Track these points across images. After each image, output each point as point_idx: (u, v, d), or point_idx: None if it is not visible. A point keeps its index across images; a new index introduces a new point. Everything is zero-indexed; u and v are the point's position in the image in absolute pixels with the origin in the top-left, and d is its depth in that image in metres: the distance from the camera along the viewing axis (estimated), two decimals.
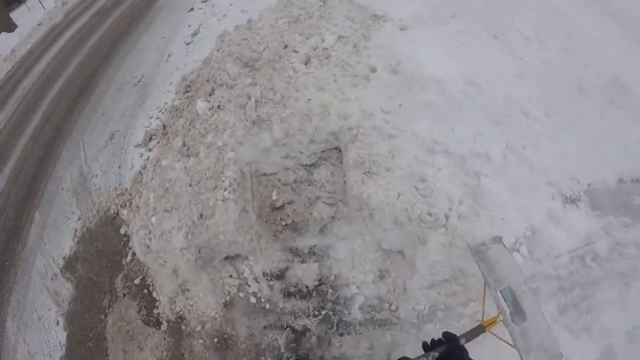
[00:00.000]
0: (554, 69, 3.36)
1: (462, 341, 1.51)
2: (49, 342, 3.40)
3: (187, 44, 4.96)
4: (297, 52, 2.95)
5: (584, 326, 2.46)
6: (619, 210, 2.73)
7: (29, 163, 4.09)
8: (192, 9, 5.92)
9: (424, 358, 1.37)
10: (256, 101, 2.81)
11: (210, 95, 3.06)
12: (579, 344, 2.36)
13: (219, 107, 2.93)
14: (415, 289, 2.67)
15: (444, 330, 1.45)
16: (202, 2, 5.84)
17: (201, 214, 2.84)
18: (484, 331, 1.81)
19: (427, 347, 1.36)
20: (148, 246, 3.07)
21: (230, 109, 2.87)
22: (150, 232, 3.04)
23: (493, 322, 1.89)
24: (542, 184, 2.81)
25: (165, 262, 3.01)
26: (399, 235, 2.70)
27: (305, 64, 2.93)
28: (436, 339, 1.39)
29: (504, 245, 2.10)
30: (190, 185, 2.90)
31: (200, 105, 2.93)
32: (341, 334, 2.72)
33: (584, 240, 2.68)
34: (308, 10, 3.48)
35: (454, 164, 2.79)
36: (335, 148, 2.98)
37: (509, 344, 1.87)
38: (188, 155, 2.94)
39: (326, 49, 2.99)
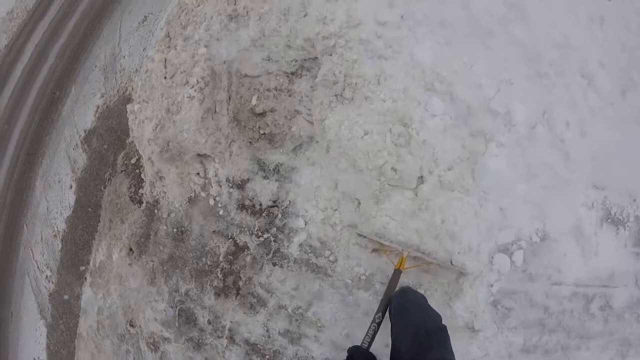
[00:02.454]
0: None
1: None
2: (63, 201, 4.07)
3: None
4: None
5: None
6: None
7: (75, 39, 4.57)
8: None
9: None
10: None
11: None
12: None
13: None
14: (361, 250, 2.53)
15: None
16: None
17: (169, 109, 2.94)
18: (400, 272, 1.94)
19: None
20: (133, 131, 3.34)
21: (212, 0, 2.79)
22: (135, 117, 3.28)
23: (402, 260, 1.98)
24: (581, 184, 2.21)
25: (144, 148, 3.27)
26: (356, 181, 2.50)
27: None
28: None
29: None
30: (165, 78, 2.98)
31: None
32: (274, 264, 2.75)
33: (604, 280, 2.17)
34: None
35: (456, 115, 2.31)
36: (315, 58, 2.75)
37: (428, 263, 2.00)
38: (169, 47, 2.99)
39: None
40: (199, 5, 2.88)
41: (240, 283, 2.85)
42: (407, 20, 2.49)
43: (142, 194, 3.53)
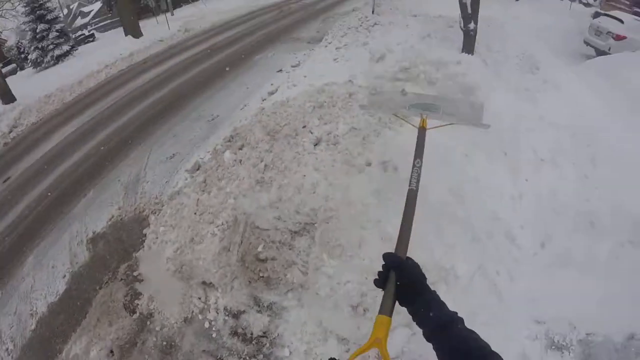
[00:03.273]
0: (562, 197, 3.34)
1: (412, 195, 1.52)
2: (50, 287, 4.35)
3: (263, 100, 6.10)
4: (312, 133, 3.75)
5: None
6: None
7: (103, 151, 5.38)
8: (280, 70, 7.19)
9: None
10: (265, 165, 3.64)
11: (239, 149, 3.98)
12: None
13: (240, 161, 3.82)
14: None
15: None
16: (291, 67, 7.10)
17: (192, 238, 3.66)
18: (424, 130, 1.99)
19: (377, 282, 1.15)
20: (150, 248, 3.96)
21: (246, 165, 3.74)
22: (156, 237, 3.94)
23: (423, 122, 2.06)
24: (522, 320, 2.77)
25: (157, 265, 3.86)
26: (338, 318, 3.25)
27: (315, 145, 3.72)
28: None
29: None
30: (194, 214, 3.76)
31: (227, 155, 3.85)
32: None
33: None
34: (334, 99, 4.31)
35: None
36: (315, 224, 3.66)
37: (447, 124, 2.16)
38: (204, 191, 3.84)
39: (337, 135, 3.75)
40: (234, 166, 3.82)
41: None
42: (383, 204, 3.52)
43: (138, 304, 3.98)
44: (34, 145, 6.40)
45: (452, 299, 2.84)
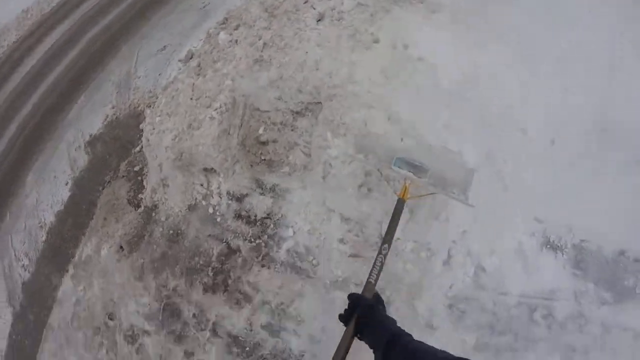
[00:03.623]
0: (580, 98, 3.19)
1: (370, 291, 1.62)
2: (55, 196, 4.44)
3: None
4: (314, 8, 3.58)
5: None
6: (604, 283, 2.57)
7: (89, 54, 5.25)
8: None
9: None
10: (264, 43, 3.51)
11: (234, 29, 3.83)
12: None
13: (236, 41, 3.68)
14: (341, 255, 3.19)
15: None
16: None
17: (190, 124, 3.63)
18: (404, 202, 2.11)
19: (342, 317, 1.38)
20: (148, 140, 3.97)
21: (242, 45, 3.62)
22: (153, 128, 3.93)
23: (405, 190, 2.19)
24: (521, 216, 2.84)
25: (156, 156, 3.90)
26: (341, 199, 3.30)
27: (318, 21, 3.55)
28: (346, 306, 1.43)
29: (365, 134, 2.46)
30: (190, 99, 3.70)
31: (222, 36, 3.70)
32: (262, 265, 3.28)
33: (545, 294, 2.65)
34: None
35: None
36: (320, 103, 3.61)
37: (431, 193, 2.25)
38: (198, 75, 3.75)
39: (342, 12, 3.57)
40: (230, 47, 3.70)
41: (229, 281, 3.42)
42: (391, 83, 3.46)
43: (142, 198, 4.08)
44: (18, 62, 6.23)
45: None
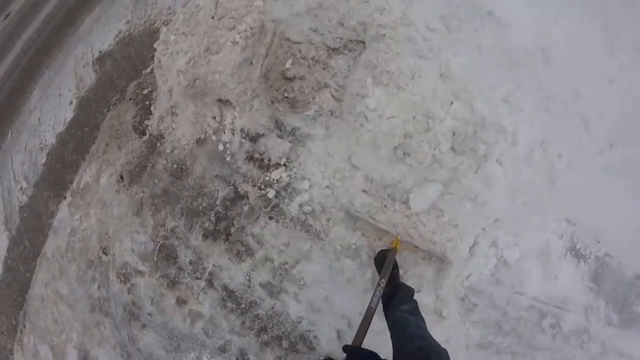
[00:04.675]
0: None
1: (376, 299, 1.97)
2: (58, 115, 4.12)
3: None
4: None
5: None
6: (614, 304, 2.46)
7: None
8: None
9: None
10: None
11: None
12: None
13: None
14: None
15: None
16: None
17: (208, 47, 3.14)
18: (396, 250, 2.25)
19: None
20: (160, 61, 3.50)
21: None
22: (167, 48, 3.46)
23: (396, 240, 2.32)
24: (555, 214, 2.58)
25: (167, 80, 3.45)
26: (370, 157, 2.81)
27: None
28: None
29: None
30: (212, 18, 3.19)
31: None
32: (270, 217, 2.93)
33: (557, 302, 2.51)
34: None
35: (469, 122, 2.67)
36: (362, 42, 3.05)
37: (422, 249, 2.27)
38: None
39: None
40: None
41: (232, 229, 3.05)
42: (452, 34, 2.86)
43: (148, 125, 3.67)
44: None
45: (503, 167, 2.57)
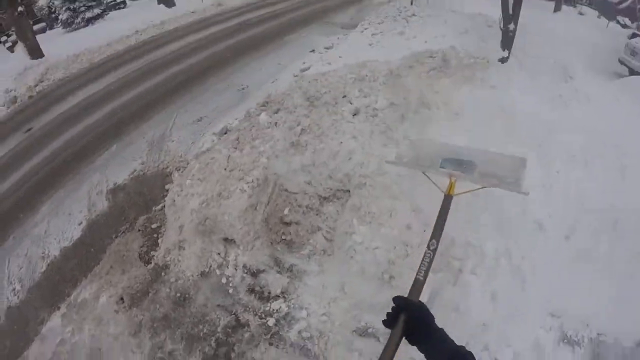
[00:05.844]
0: (590, 194, 3.41)
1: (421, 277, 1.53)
2: (65, 233, 4.42)
3: (295, 76, 6.22)
4: (351, 103, 3.88)
5: None
6: None
7: (128, 110, 5.54)
8: (313, 50, 7.31)
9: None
10: (302, 129, 3.75)
11: (275, 113, 4.11)
12: None
13: (275, 123, 3.94)
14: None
15: None
16: (324, 48, 7.24)
17: (220, 193, 3.76)
18: (450, 198, 1.95)
19: (386, 322, 1.26)
20: (174, 200, 4.07)
21: (281, 128, 3.87)
22: (182, 190, 4.06)
23: (451, 186, 2.02)
24: (539, 312, 2.88)
25: (179, 217, 3.98)
26: (361, 284, 3.35)
27: (354, 115, 3.84)
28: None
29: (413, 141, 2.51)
30: (224, 169, 3.87)
31: (263, 117, 3.97)
32: (270, 344, 3.18)
33: None
34: (375, 74, 4.45)
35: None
36: (348, 191, 3.77)
37: (479, 188, 2.05)
38: (235, 148, 3.96)
39: (376, 109, 3.88)
40: (269, 128, 3.95)
41: (232, 355, 3.28)
42: (416, 178, 3.63)
43: (154, 255, 4.07)
44: (58, 99, 6.52)
45: (477, 277, 2.95)
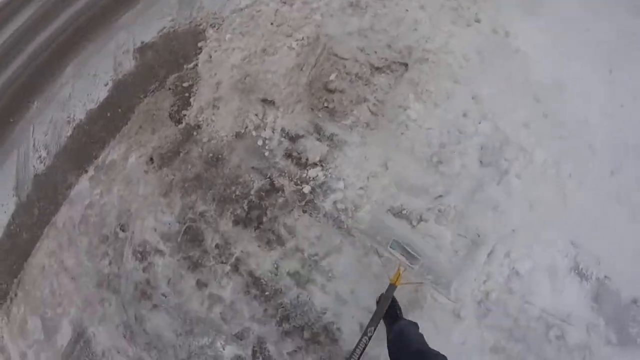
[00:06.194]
0: None
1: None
2: (90, 94, 4.14)
3: None
4: None
5: None
6: (613, 324, 2.61)
7: None
8: None
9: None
10: None
11: None
12: None
13: None
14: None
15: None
16: None
17: (265, 49, 3.38)
18: (395, 287, 2.20)
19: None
20: (210, 56, 3.69)
21: None
22: (219, 45, 3.67)
23: (398, 275, 2.29)
24: (562, 235, 2.83)
25: (215, 74, 3.62)
26: (406, 163, 3.08)
27: None
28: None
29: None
30: (271, 24, 3.44)
31: None
32: (304, 211, 3.06)
33: (562, 316, 2.69)
34: None
35: (492, 139, 3.06)
36: (405, 65, 3.38)
37: (419, 283, 2.36)
38: (284, 2, 3.51)
39: None
40: None
41: (264, 219, 3.15)
42: (485, 62, 3.27)
43: (185, 115, 3.78)
44: None
45: (522, 182, 2.90)
